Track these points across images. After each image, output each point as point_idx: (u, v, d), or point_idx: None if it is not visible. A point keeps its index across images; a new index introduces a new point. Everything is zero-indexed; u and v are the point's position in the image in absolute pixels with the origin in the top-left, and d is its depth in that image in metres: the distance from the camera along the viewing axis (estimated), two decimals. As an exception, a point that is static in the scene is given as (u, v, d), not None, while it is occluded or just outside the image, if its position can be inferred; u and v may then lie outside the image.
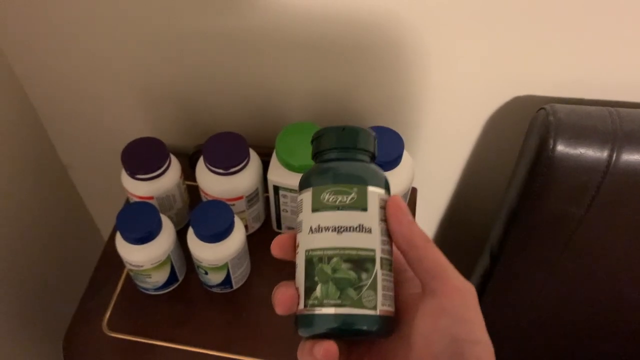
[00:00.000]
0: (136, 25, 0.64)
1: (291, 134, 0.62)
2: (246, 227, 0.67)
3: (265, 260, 0.67)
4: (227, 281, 0.62)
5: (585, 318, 0.76)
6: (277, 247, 0.33)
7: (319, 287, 0.30)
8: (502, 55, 0.60)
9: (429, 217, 0.86)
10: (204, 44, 0.64)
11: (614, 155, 0.57)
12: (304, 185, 0.33)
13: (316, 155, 0.34)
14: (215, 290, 0.64)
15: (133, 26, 0.64)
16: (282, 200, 0.64)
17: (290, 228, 0.68)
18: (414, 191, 0.75)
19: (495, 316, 0.78)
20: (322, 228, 0.31)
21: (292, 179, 0.61)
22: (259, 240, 0.68)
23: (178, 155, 0.68)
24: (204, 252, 0.58)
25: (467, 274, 0.69)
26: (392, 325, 0.31)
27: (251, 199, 0.64)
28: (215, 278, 0.62)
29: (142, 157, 0.62)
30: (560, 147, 0.57)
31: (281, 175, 0.61)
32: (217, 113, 0.74)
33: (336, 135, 0.33)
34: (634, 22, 0.55)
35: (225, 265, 0.60)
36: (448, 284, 0.29)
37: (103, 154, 0.82)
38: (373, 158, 0.34)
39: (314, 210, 0.31)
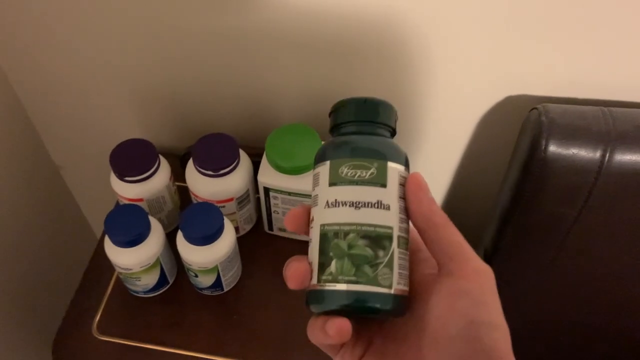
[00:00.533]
0: (128, 27, 0.63)
1: (281, 135, 0.61)
2: (237, 229, 0.66)
3: (257, 262, 0.67)
4: (217, 284, 0.62)
5: (580, 318, 0.75)
6: (291, 221, 0.32)
7: (333, 263, 0.29)
8: (494, 54, 0.60)
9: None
10: (197, 45, 0.64)
11: (607, 155, 0.56)
12: (321, 157, 0.32)
13: (334, 128, 0.33)
14: (206, 292, 0.64)
15: (125, 28, 0.63)
16: (272, 202, 0.63)
17: (282, 230, 0.68)
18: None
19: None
20: (339, 203, 0.30)
21: (283, 181, 0.60)
22: (250, 242, 0.67)
23: (170, 156, 0.67)
24: (193, 255, 0.58)
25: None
26: (406, 305, 0.30)
27: (242, 200, 0.64)
28: (205, 281, 0.61)
29: (131, 159, 0.61)
30: (553, 148, 0.57)
31: (271, 177, 0.61)
32: (210, 114, 0.73)
33: (357, 107, 0.32)
34: (627, 21, 0.54)
35: (215, 268, 0.59)
36: (467, 265, 0.29)
37: (95, 155, 0.82)
38: (394, 133, 0.33)
39: (331, 184, 0.30)
